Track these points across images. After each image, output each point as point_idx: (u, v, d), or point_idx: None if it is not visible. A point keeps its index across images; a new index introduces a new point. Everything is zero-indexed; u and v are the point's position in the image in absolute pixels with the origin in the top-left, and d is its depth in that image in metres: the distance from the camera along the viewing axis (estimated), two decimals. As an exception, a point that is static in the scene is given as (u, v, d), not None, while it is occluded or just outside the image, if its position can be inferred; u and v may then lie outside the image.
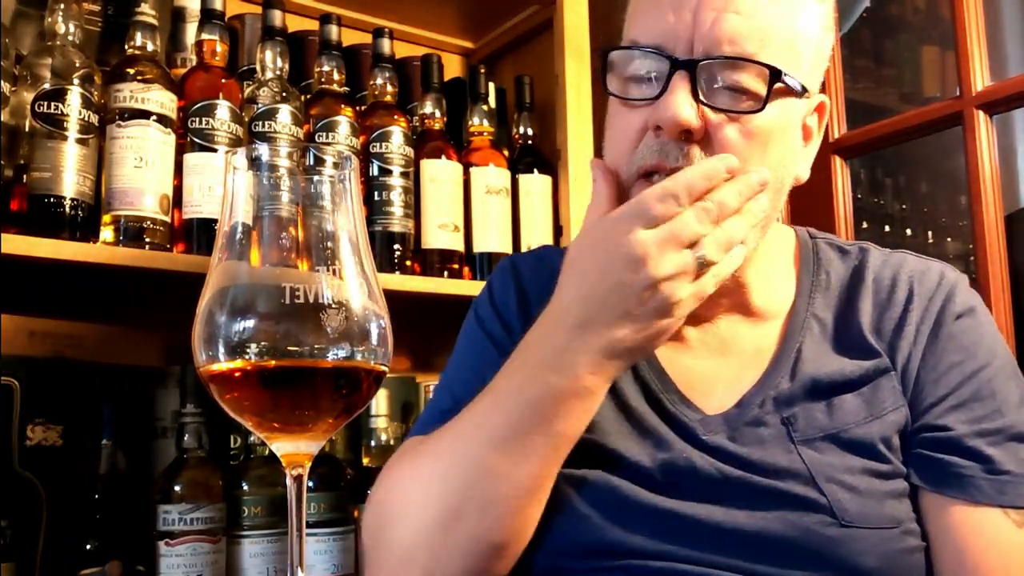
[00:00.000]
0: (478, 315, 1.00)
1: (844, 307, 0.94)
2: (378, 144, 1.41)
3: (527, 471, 0.79)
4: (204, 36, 1.28)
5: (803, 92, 0.85)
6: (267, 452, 1.27)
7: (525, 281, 0.99)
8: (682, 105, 0.80)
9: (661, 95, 0.81)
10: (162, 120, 1.20)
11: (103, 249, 1.15)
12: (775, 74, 0.81)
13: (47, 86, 1.13)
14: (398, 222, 1.41)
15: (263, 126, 1.30)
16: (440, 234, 1.46)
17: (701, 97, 0.81)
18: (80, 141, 1.14)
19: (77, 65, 1.15)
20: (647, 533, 0.83)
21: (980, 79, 1.57)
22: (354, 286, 0.62)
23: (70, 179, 1.12)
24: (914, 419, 0.88)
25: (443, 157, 1.48)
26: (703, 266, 0.76)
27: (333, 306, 0.60)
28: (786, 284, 0.96)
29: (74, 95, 1.14)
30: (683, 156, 0.81)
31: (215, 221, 1.15)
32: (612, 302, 0.76)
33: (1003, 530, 0.83)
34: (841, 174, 1.80)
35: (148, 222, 1.17)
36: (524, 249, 1.52)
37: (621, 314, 0.76)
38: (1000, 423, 0.86)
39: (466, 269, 1.50)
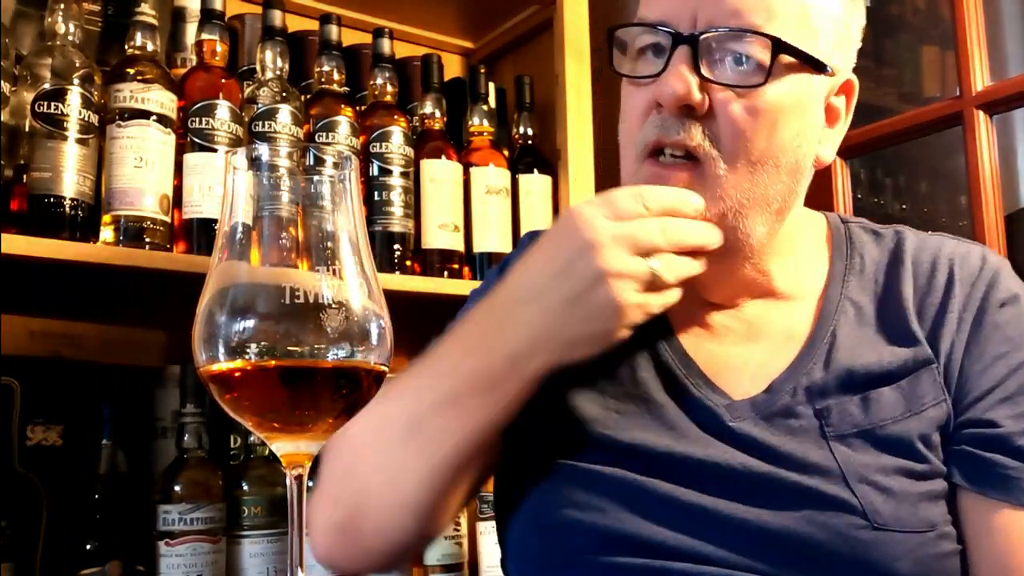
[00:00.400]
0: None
1: (884, 292, 0.89)
2: (378, 144, 1.41)
3: (441, 452, 0.80)
4: (204, 36, 1.28)
5: (821, 68, 0.82)
6: (267, 452, 1.27)
7: None
8: (679, 80, 0.78)
9: (663, 71, 0.80)
10: (162, 120, 1.20)
11: (103, 249, 1.15)
12: (777, 45, 0.78)
13: (47, 86, 1.13)
14: (398, 222, 1.41)
15: (263, 126, 1.30)
16: (440, 234, 1.46)
17: (703, 72, 0.79)
18: (80, 141, 1.14)
19: (77, 65, 1.15)
20: (666, 525, 0.79)
21: (980, 79, 1.57)
22: (354, 286, 0.61)
23: (70, 179, 1.12)
24: (957, 414, 0.83)
25: (443, 157, 1.48)
26: (655, 279, 0.75)
27: (333, 306, 0.59)
28: (817, 269, 0.92)
29: (74, 95, 1.14)
30: (683, 130, 0.79)
31: (215, 221, 1.15)
32: (559, 283, 0.76)
33: None
34: (841, 174, 1.80)
35: (148, 222, 1.17)
36: (524, 250, 1.52)
37: (566, 298, 0.76)
38: None
39: (466, 269, 1.50)
